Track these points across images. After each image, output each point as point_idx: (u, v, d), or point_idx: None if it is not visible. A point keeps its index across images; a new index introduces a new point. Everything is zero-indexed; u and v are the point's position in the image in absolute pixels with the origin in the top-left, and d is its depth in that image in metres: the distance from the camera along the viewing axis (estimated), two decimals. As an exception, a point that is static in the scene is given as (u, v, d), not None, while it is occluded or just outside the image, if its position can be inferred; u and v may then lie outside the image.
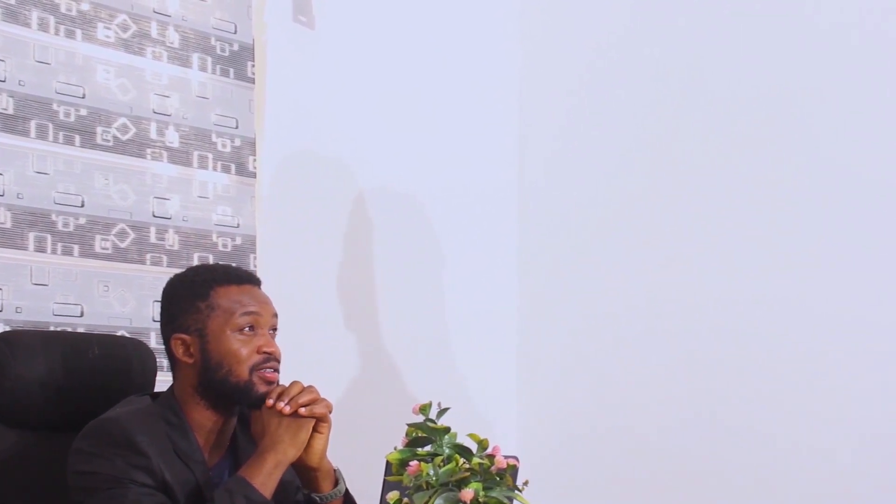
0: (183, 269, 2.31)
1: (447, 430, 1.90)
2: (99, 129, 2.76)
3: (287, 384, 2.15)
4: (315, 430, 2.14)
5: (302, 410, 2.11)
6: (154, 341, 2.70)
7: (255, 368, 2.14)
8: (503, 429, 3.63)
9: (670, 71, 3.52)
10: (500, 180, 3.77)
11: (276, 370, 2.19)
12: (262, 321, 2.18)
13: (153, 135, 2.86)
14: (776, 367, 3.24)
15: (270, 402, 2.12)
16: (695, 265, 3.42)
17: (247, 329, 2.16)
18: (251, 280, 2.24)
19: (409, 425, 1.93)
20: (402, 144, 3.46)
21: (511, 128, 3.82)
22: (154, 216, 2.85)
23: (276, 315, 2.22)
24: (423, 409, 1.93)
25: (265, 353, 2.16)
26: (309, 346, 2.99)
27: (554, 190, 3.76)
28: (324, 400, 2.16)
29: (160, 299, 2.23)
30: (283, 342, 2.23)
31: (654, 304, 3.50)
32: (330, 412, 2.16)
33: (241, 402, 2.17)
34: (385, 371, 3.37)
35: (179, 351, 2.16)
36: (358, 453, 2.63)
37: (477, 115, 3.71)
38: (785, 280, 3.25)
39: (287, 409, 2.11)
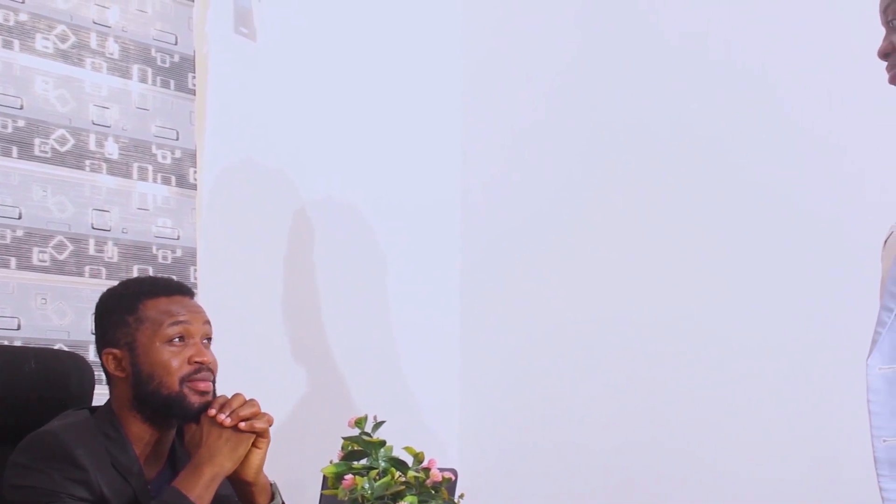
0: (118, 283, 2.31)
1: (382, 443, 1.91)
2: (37, 141, 2.74)
3: (230, 396, 2.15)
4: (253, 444, 2.13)
5: (242, 425, 2.11)
6: (92, 354, 2.68)
7: (185, 379, 2.13)
8: (445, 441, 3.64)
9: (611, 93, 3.56)
10: (442, 193, 3.78)
11: (210, 380, 2.18)
12: (193, 330, 2.17)
13: (92, 146, 2.85)
14: (714, 384, 3.27)
15: (213, 412, 2.12)
16: (634, 284, 3.45)
17: (176, 340, 2.15)
18: (181, 290, 2.23)
19: (344, 439, 1.94)
20: (344, 157, 3.46)
21: (454, 138, 3.83)
22: (93, 228, 2.83)
23: (208, 323, 2.21)
24: (359, 422, 1.94)
25: (196, 363, 2.14)
26: (249, 359, 2.99)
27: (496, 201, 3.78)
28: (265, 415, 2.15)
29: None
30: (223, 355, 2.22)
31: (593, 320, 3.52)
32: (270, 426, 2.15)
33: (174, 416, 2.15)
34: (326, 384, 3.37)
35: (111, 366, 2.16)
36: (299, 467, 2.63)
37: (420, 127, 3.72)
38: (722, 302, 3.29)
39: (228, 422, 2.10)
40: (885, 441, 1.83)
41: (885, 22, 1.97)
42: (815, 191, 3.14)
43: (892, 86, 1.96)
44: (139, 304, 2.16)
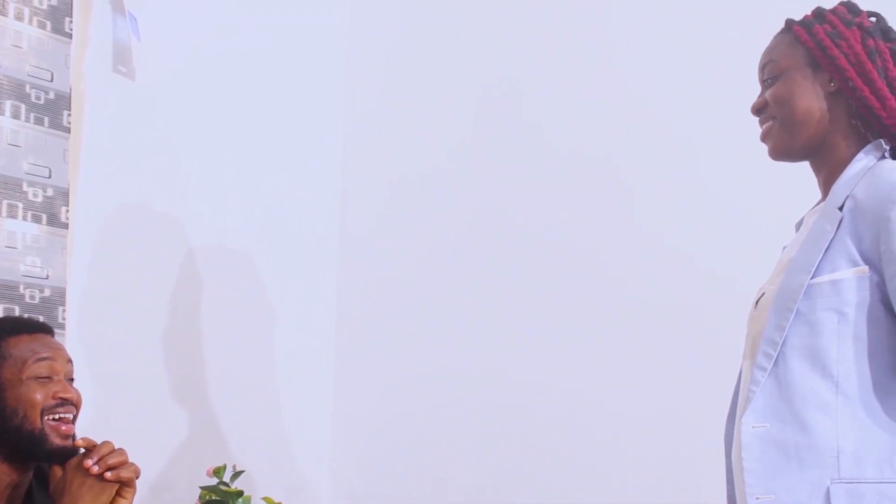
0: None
1: (240, 493, 1.91)
2: None
3: (99, 442, 2.13)
4: (118, 494, 2.13)
5: (108, 474, 2.09)
6: (-49, 395, 2.61)
7: (46, 412, 2.12)
8: (316, 484, 3.62)
9: (489, 147, 3.63)
10: (320, 232, 3.78)
11: (71, 418, 2.16)
12: (57, 367, 2.18)
13: (-40, 182, 2.79)
14: (591, 440, 3.32)
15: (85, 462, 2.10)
16: (510, 330, 3.50)
17: (42, 377, 2.14)
18: (42, 329, 2.24)
19: (202, 488, 1.93)
20: (220, 197, 3.44)
21: (334, 177, 3.84)
22: (-43, 266, 2.77)
23: (70, 362, 2.22)
24: (217, 471, 1.93)
25: (60, 398, 2.14)
26: (117, 402, 2.95)
27: (373, 243, 3.80)
28: (132, 464, 2.14)
29: (-45, 355, 2.18)
30: (91, 397, 2.21)
31: (469, 364, 3.54)
32: (137, 477, 2.14)
33: (34, 456, 2.13)
34: (199, 427, 3.31)
35: (-28, 406, 2.12)
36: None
37: (300, 167, 3.72)
38: (598, 360, 3.36)
39: (95, 469, 2.09)
40: (758, 499, 1.82)
41: (761, 80, 2.08)
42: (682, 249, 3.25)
43: (762, 143, 2.06)
44: (2, 343, 2.15)
